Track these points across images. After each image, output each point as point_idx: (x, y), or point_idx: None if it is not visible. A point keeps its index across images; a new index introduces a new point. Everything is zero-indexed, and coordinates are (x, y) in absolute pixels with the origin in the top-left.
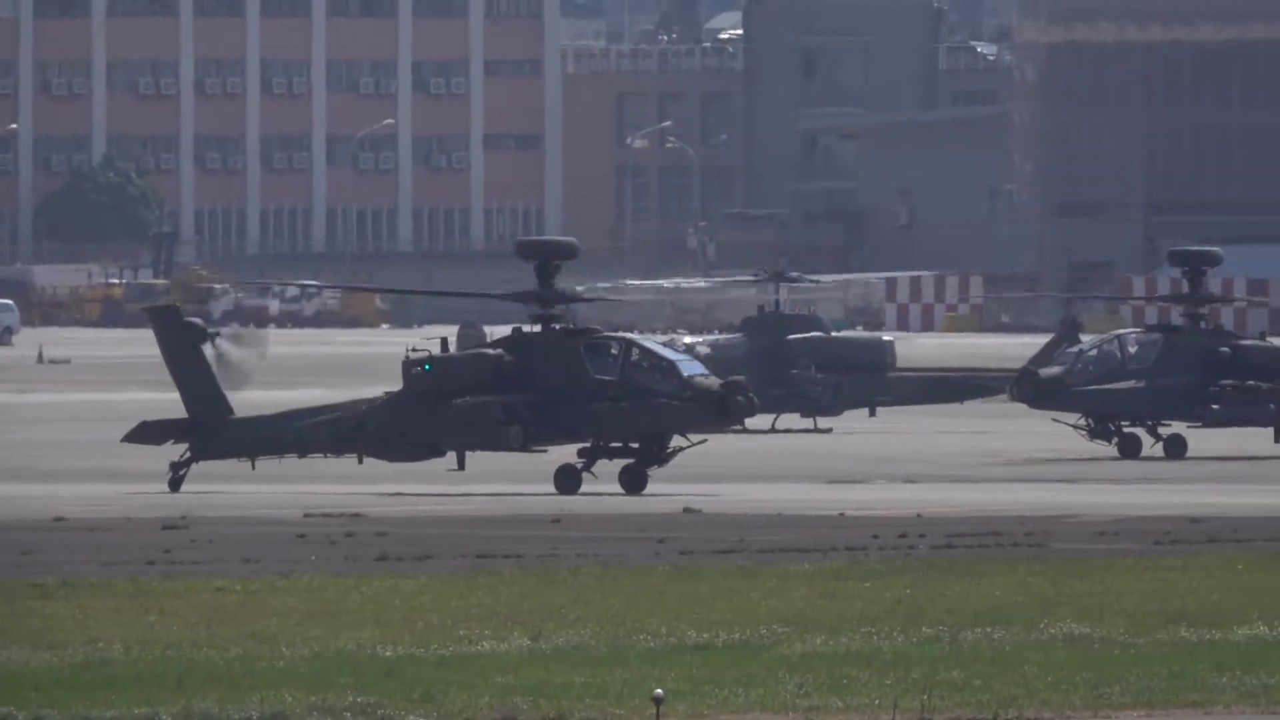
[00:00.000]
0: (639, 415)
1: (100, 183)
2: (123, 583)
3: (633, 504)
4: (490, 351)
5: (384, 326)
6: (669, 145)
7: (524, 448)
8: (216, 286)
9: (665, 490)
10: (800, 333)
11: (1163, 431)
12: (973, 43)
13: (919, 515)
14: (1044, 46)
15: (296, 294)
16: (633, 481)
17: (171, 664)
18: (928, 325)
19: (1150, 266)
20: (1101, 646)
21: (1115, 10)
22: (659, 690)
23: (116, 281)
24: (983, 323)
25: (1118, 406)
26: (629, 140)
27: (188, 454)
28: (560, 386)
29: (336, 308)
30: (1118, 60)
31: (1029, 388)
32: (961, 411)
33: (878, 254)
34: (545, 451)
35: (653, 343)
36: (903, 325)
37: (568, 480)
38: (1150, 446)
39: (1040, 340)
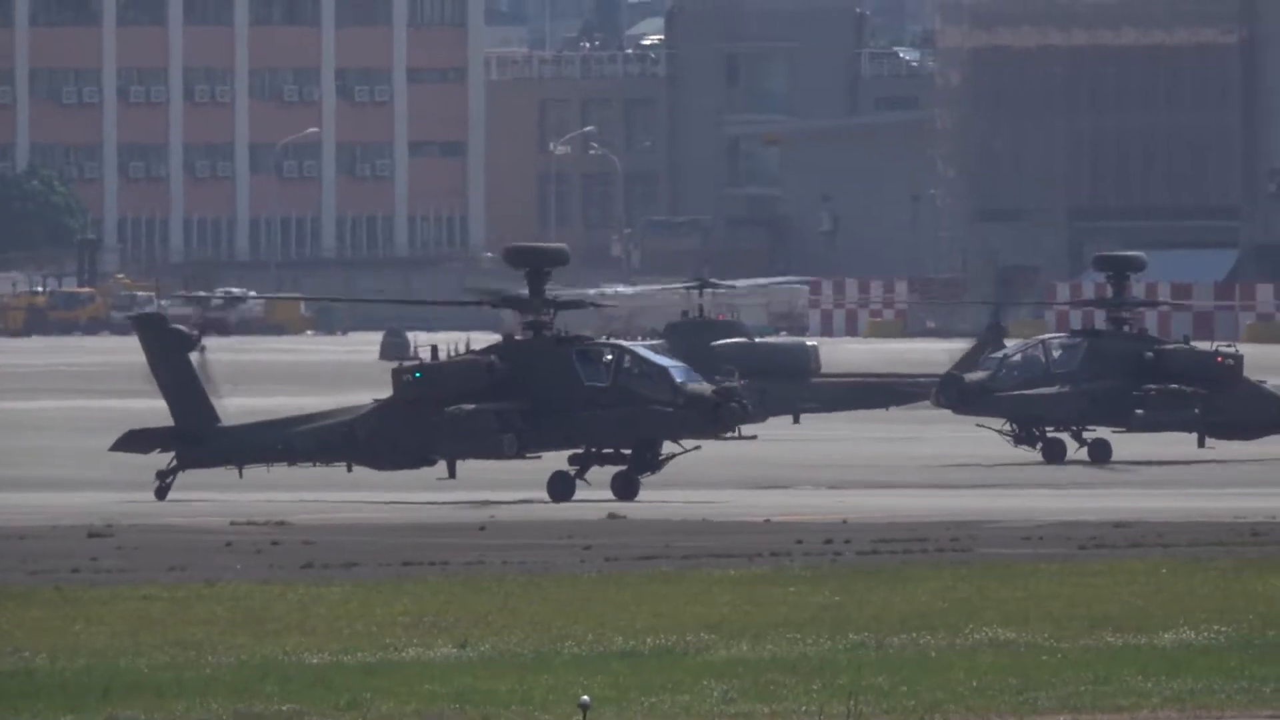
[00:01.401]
0: (631, 422)
1: (24, 190)
2: (48, 591)
3: (559, 510)
4: (482, 359)
5: (309, 333)
6: (592, 152)
7: (518, 455)
8: (140, 294)
9: (653, 497)
10: (723, 339)
11: (1087, 436)
12: (896, 48)
13: (844, 521)
14: (967, 51)
15: (221, 301)
16: (625, 488)
17: (97, 673)
18: (852, 331)
19: (1075, 271)
20: (1027, 651)
21: (1038, 15)
22: (585, 697)
23: (40, 290)
24: (907, 328)
25: (1042, 411)
26: (552, 147)
27: (174, 462)
28: (552, 394)
29: (261, 315)
30: (1041, 65)
31: (953, 393)
32: (886, 417)
33: (801, 259)
34: (539, 458)
35: (644, 349)
36: (827, 331)
37: (561, 487)
38: (1075, 451)
39: (965, 345)
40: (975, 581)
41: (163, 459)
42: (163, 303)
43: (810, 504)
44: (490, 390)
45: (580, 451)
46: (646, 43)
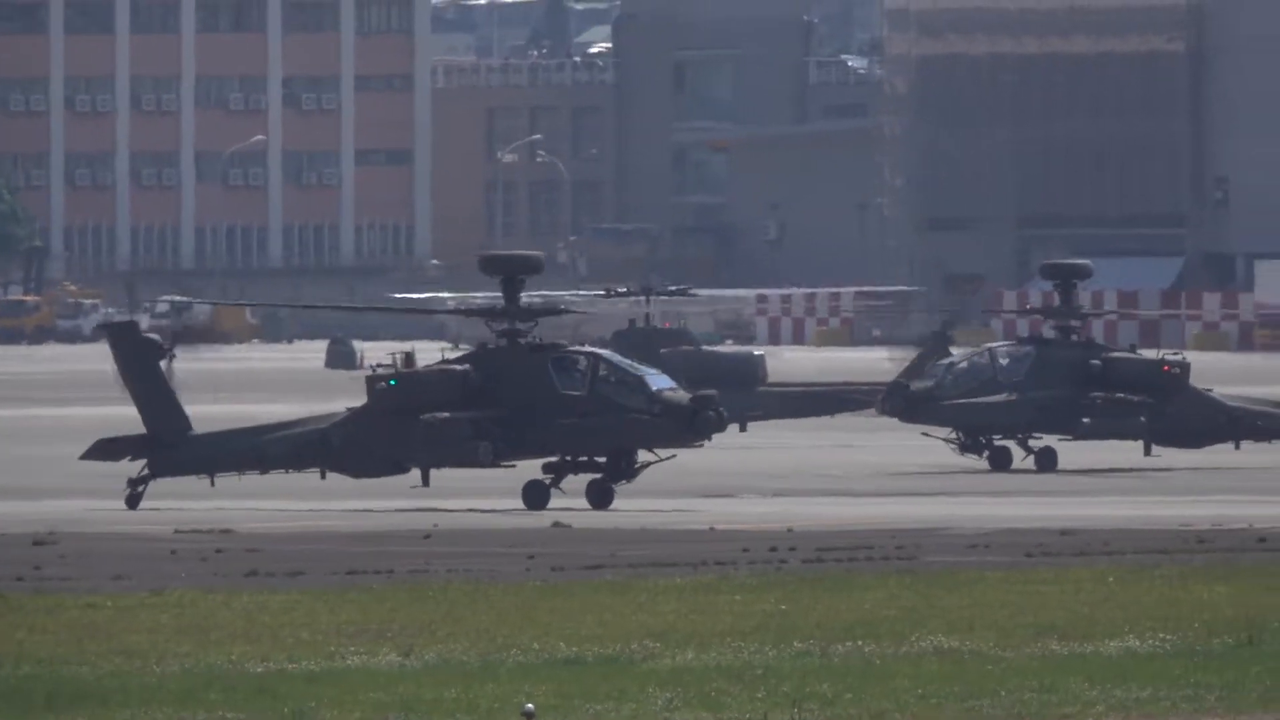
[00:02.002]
0: (607, 430)
1: None
2: None
3: (504, 519)
4: (457, 367)
5: (254, 341)
6: (539, 160)
7: (493, 463)
8: (86, 302)
9: (627, 505)
10: (670, 347)
11: (1033, 444)
12: (843, 56)
13: (789, 529)
14: (914, 59)
15: (166, 309)
16: (600, 497)
17: (41, 681)
18: (798, 339)
19: (1021, 280)
20: (972, 659)
21: (986, 23)
22: (529, 705)
23: None
24: (853, 336)
25: (988, 420)
26: (499, 155)
27: (145, 470)
28: (528, 402)
29: (207, 323)
30: (989, 72)
31: (899, 401)
32: (832, 425)
33: (748, 268)
34: (514, 467)
35: (620, 358)
36: (773, 339)
37: (536, 496)
38: (1021, 459)
39: (911, 354)
40: (920, 589)
41: (134, 467)
42: (110, 310)
43: (755, 512)
44: (465, 398)
45: (554, 460)
46: (594, 51)
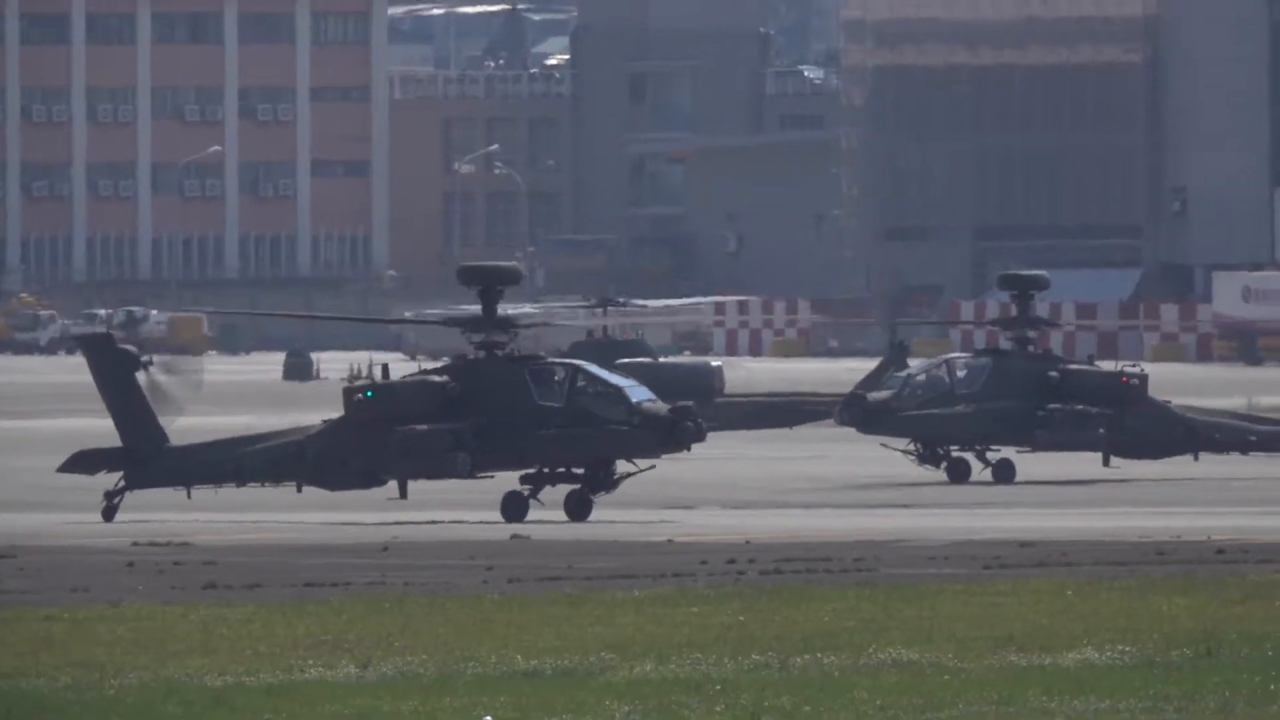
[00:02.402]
0: (586, 441)
1: None
2: None
3: (462, 531)
4: (434, 378)
5: (211, 353)
6: (497, 171)
7: (471, 475)
8: (43, 313)
9: (604, 516)
10: (627, 358)
11: (991, 456)
12: (800, 67)
13: (747, 541)
14: (871, 70)
15: (124, 320)
16: (578, 508)
17: None
18: (756, 350)
19: (979, 291)
20: (930, 671)
21: (943, 33)
22: (488, 717)
23: None
24: (810, 347)
25: (946, 431)
26: (456, 166)
27: (122, 483)
28: (505, 413)
29: (164, 335)
30: (946, 83)
31: (857, 412)
32: (790, 436)
33: (706, 279)
34: (492, 478)
35: (599, 368)
36: (731, 350)
37: (514, 507)
38: (979, 471)
39: (868, 365)
40: (879, 601)
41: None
42: (66, 321)
43: (714, 524)
44: (443, 410)
45: (532, 471)
46: (551, 62)
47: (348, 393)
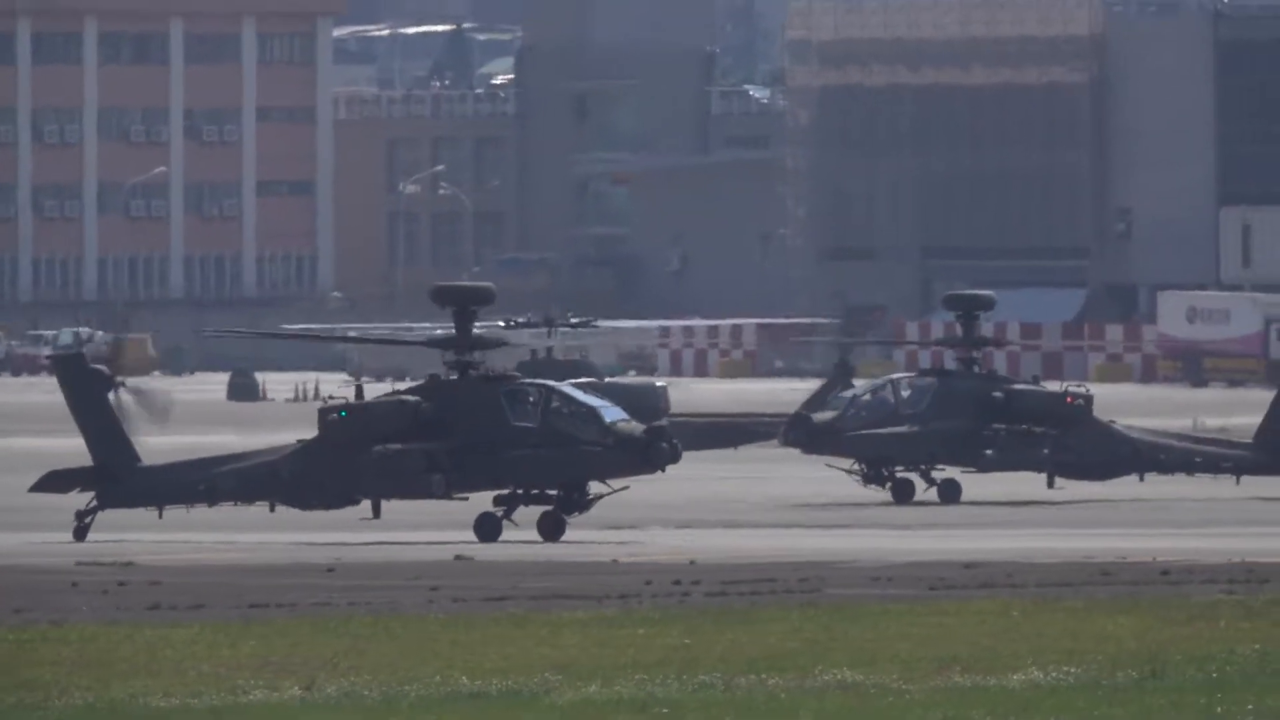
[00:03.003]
0: (560, 462)
1: None
2: None
3: (407, 551)
4: (408, 398)
5: (155, 373)
6: (442, 191)
7: (446, 495)
8: None
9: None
10: (572, 378)
11: (936, 476)
12: (746, 86)
13: (692, 562)
14: (816, 90)
15: (69, 341)
16: (552, 529)
17: None
18: (701, 370)
19: (924, 310)
20: (875, 692)
21: (888, 54)
22: None
23: None
24: (755, 368)
25: (891, 451)
26: (401, 186)
27: (94, 502)
28: (479, 433)
29: (109, 355)
30: (890, 104)
31: (802, 433)
32: (735, 457)
33: (651, 299)
34: (467, 499)
35: (573, 389)
36: (676, 370)
37: (488, 528)
38: (924, 491)
39: (814, 385)
40: (824, 622)
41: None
42: (12, 342)
43: (659, 544)
44: (417, 430)
45: (505, 492)
46: (496, 82)
47: (323, 413)
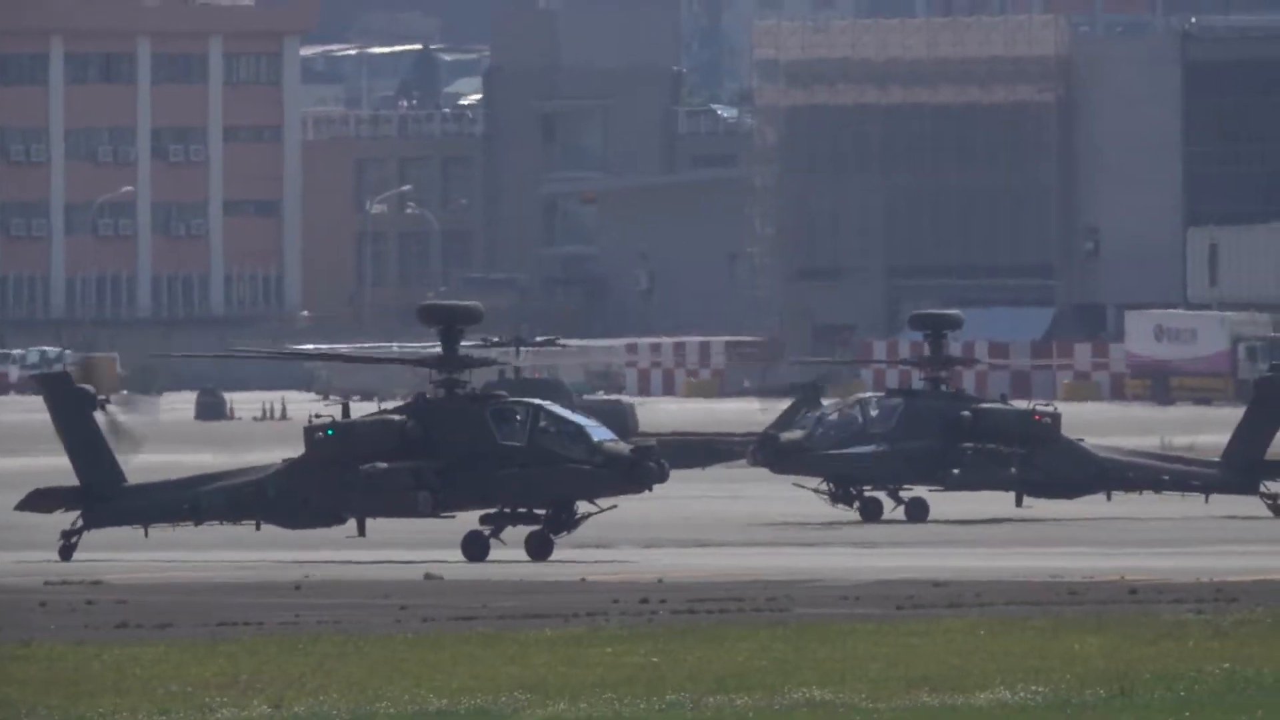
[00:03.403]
0: (547, 481)
1: None
2: None
3: (375, 570)
4: (395, 417)
5: (124, 393)
6: (409, 211)
7: (433, 514)
8: None
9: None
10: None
11: (904, 495)
12: (713, 106)
13: (660, 580)
14: (783, 110)
15: (36, 360)
16: (539, 548)
17: None
18: (669, 390)
19: (891, 330)
20: (843, 712)
21: (855, 73)
22: None
23: None
24: (723, 387)
25: (859, 471)
26: (369, 205)
27: (79, 522)
28: (467, 452)
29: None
30: (858, 123)
31: (770, 452)
32: (703, 476)
33: (619, 318)
34: (454, 517)
35: (560, 408)
36: (644, 390)
37: (475, 547)
38: (891, 510)
39: (782, 404)
40: (792, 641)
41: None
42: None
43: (627, 563)
44: (404, 448)
45: (493, 511)
46: (464, 102)
47: (309, 431)
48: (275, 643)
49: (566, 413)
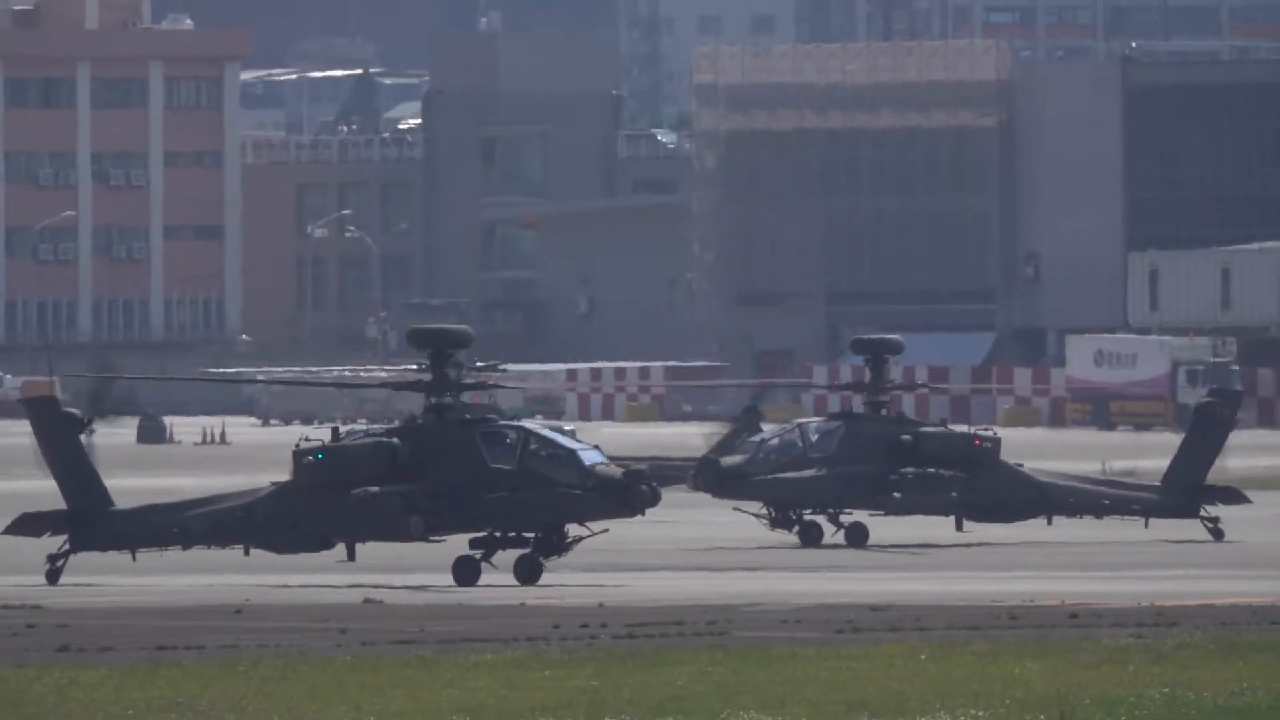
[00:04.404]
0: (538, 504)
1: None
2: None
3: (315, 594)
4: (385, 440)
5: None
6: (349, 235)
7: (423, 538)
8: None
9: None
10: None
11: (844, 519)
12: (653, 130)
13: (600, 604)
14: (723, 134)
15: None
16: (528, 572)
17: None
18: (609, 414)
19: (832, 355)
20: None
21: (794, 98)
22: None
23: None
24: (663, 412)
25: (799, 495)
26: (309, 230)
27: (66, 546)
28: (457, 476)
29: (16, 399)
30: (797, 148)
31: (710, 476)
32: None
33: (559, 343)
34: (444, 541)
35: (551, 432)
36: (584, 414)
37: (466, 571)
38: (831, 534)
39: (722, 429)
40: (732, 665)
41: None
42: None
43: (568, 587)
44: (394, 472)
45: (483, 535)
46: (404, 127)
47: (298, 455)
48: (216, 666)
49: (557, 436)
